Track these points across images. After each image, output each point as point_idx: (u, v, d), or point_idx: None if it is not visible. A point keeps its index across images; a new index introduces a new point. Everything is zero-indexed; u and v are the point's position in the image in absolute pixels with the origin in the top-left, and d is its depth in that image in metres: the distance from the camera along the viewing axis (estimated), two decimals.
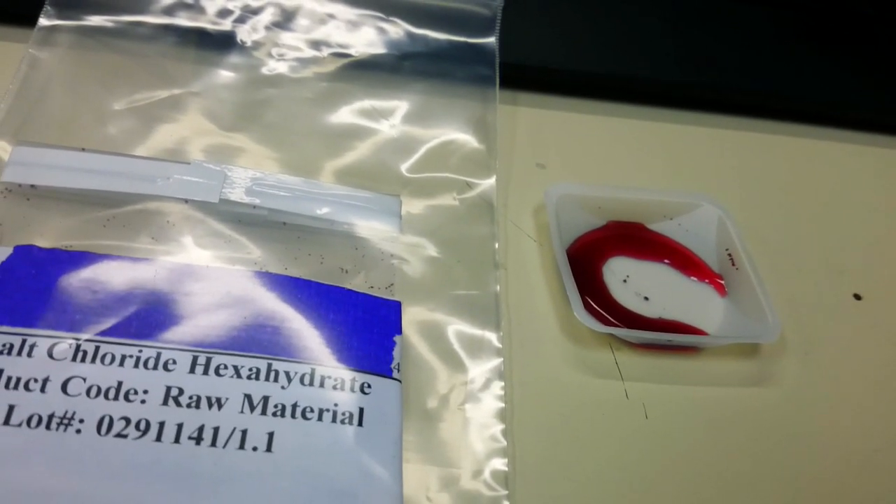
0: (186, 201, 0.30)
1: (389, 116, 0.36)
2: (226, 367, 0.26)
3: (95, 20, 0.35)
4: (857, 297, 0.35)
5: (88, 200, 0.30)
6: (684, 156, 0.39)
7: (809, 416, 0.31)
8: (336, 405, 0.26)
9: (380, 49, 0.37)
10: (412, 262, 0.31)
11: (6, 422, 0.23)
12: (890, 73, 0.43)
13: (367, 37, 0.37)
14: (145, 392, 0.25)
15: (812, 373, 0.32)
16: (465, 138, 0.36)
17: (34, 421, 0.24)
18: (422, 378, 0.28)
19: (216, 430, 0.24)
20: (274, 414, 0.25)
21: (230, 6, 0.37)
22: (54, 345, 0.25)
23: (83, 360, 0.25)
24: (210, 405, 0.25)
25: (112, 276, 0.27)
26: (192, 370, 0.25)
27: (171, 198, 0.30)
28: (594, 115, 0.40)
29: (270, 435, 0.25)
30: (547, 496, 0.27)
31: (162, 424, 0.24)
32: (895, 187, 0.41)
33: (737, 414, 0.30)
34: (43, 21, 0.34)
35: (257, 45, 0.37)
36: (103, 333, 0.26)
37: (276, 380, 0.26)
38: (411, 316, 0.30)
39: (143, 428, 0.24)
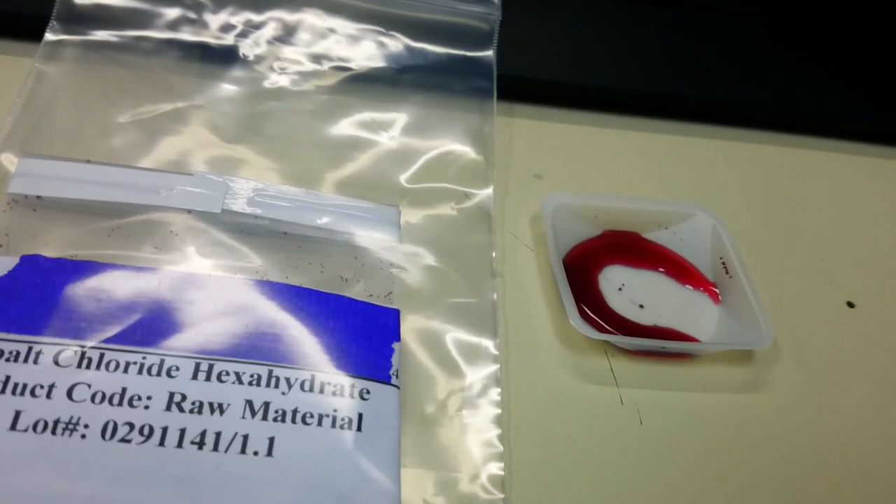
0: (189, 212, 0.31)
1: (389, 128, 0.37)
2: (227, 374, 0.26)
3: (100, 35, 0.36)
4: (850, 304, 0.36)
5: (93, 211, 0.31)
6: (679, 166, 0.40)
7: (802, 422, 0.31)
8: (335, 411, 0.26)
9: (379, 62, 0.38)
10: (411, 270, 0.32)
11: (13, 427, 0.24)
12: (881, 84, 0.44)
13: (367, 50, 0.38)
14: (149, 398, 0.25)
15: (805, 379, 0.32)
16: (463, 149, 0.37)
17: (40, 426, 0.24)
18: (420, 384, 0.29)
19: (218, 435, 0.25)
20: (275, 419, 0.26)
21: (233, 21, 0.38)
22: (60, 352, 0.26)
23: (88, 366, 0.26)
24: (212, 411, 0.25)
25: (116, 284, 0.28)
26: (195, 377, 0.26)
27: (175, 208, 0.31)
28: (590, 126, 0.41)
29: (271, 440, 0.25)
30: (542, 500, 0.27)
31: (165, 430, 0.25)
32: (888, 196, 0.41)
33: (730, 420, 0.30)
34: (49, 36, 0.35)
35: (259, 58, 0.37)
36: (108, 341, 0.26)
37: (276, 386, 0.26)
38: (410, 323, 0.30)
39: (147, 433, 0.25)
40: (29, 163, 0.31)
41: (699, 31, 0.44)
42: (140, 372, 0.26)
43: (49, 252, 0.29)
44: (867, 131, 0.43)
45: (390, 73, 0.38)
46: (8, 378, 0.25)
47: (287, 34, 0.38)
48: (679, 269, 0.35)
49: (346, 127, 0.36)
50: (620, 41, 0.43)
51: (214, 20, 0.37)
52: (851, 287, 0.36)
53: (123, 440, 0.24)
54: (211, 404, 0.26)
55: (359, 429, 0.26)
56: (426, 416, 0.28)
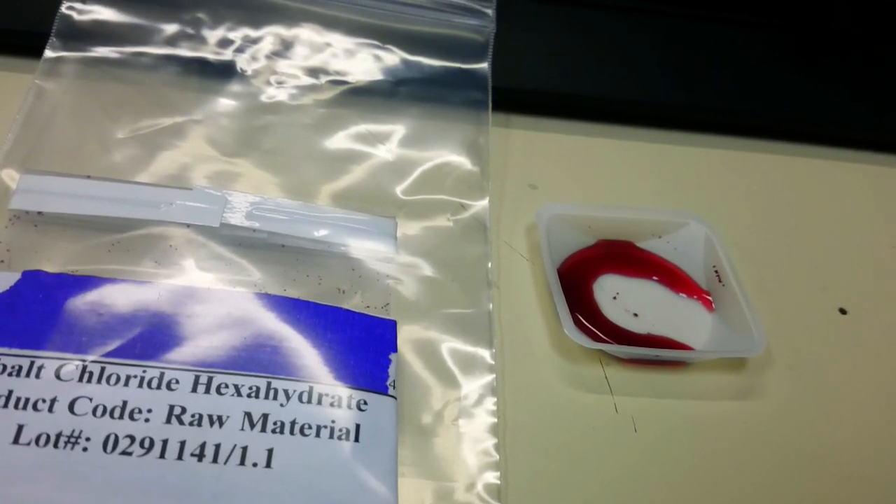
0: (188, 226, 0.31)
1: (385, 141, 0.37)
2: (227, 386, 0.27)
3: (100, 51, 0.36)
4: (843, 311, 0.36)
5: (94, 226, 0.31)
6: (672, 175, 0.40)
7: (795, 429, 0.31)
8: (333, 422, 0.27)
9: (376, 76, 0.38)
10: (407, 281, 0.32)
11: (15, 441, 0.24)
12: (873, 91, 0.44)
13: (364, 64, 0.39)
14: (149, 411, 0.26)
15: (797, 386, 0.33)
16: (459, 161, 0.37)
17: (42, 440, 0.25)
18: (417, 394, 0.29)
19: (217, 447, 0.25)
20: (273, 431, 0.26)
21: (231, 36, 0.38)
22: (61, 366, 0.26)
23: (89, 380, 0.26)
24: (211, 423, 0.26)
25: (117, 299, 0.28)
26: (195, 389, 0.26)
27: (174, 223, 0.31)
28: (584, 136, 0.41)
29: (270, 451, 0.26)
30: None
31: (165, 442, 0.25)
32: (880, 203, 0.42)
33: (723, 427, 0.31)
34: (49, 53, 0.36)
35: (257, 73, 0.38)
36: (109, 355, 0.27)
37: (275, 398, 0.27)
38: (407, 334, 0.30)
39: (148, 446, 0.25)
40: (30, 179, 0.32)
41: (692, 41, 0.44)
42: (140, 385, 0.26)
43: (50, 267, 0.29)
44: (859, 139, 0.44)
45: (386, 85, 0.38)
46: (10, 392, 0.25)
47: (284, 49, 0.38)
48: (673, 278, 0.35)
49: (342, 140, 0.37)
50: (614, 51, 0.43)
51: (212, 35, 0.38)
52: (844, 294, 0.37)
53: (124, 453, 0.25)
54: (210, 416, 0.26)
55: (356, 439, 0.26)
56: (423, 425, 0.28)
